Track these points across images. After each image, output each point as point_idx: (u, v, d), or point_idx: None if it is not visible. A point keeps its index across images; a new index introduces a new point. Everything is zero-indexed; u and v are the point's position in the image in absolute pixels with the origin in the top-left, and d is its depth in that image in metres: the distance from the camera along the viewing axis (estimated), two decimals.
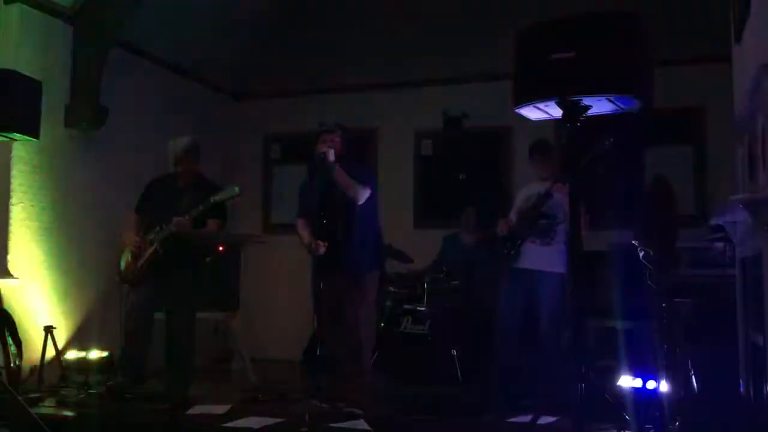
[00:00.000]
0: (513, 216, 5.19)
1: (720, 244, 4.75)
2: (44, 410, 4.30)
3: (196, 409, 4.37)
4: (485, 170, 7.20)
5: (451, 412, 4.54)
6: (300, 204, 4.75)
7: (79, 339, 5.70)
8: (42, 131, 4.39)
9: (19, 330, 4.97)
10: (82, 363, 5.42)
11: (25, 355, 5.00)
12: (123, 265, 4.94)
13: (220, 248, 6.16)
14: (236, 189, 4.66)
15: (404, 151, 7.46)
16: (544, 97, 2.76)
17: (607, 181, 6.52)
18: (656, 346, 4.33)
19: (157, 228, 4.80)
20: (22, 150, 5.37)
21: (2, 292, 5.02)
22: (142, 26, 6.14)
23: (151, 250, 4.79)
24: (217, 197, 4.66)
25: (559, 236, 4.98)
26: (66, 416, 4.24)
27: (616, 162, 6.56)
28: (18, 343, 4.92)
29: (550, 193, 4.85)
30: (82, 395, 4.73)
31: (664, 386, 3.94)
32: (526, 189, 5.28)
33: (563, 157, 5.47)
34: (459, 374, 5.65)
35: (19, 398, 4.05)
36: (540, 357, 5.05)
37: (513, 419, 4.05)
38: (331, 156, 4.43)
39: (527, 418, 3.84)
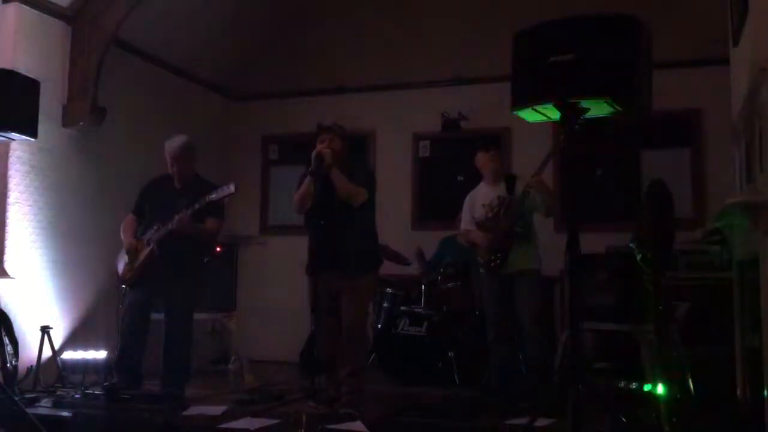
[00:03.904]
0: (469, 226, 5.15)
1: (716, 247, 4.77)
2: (41, 410, 4.29)
3: (192, 410, 4.36)
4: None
5: (448, 413, 4.54)
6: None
7: (75, 339, 5.69)
8: (40, 131, 4.39)
9: (15, 330, 4.97)
10: (79, 363, 5.42)
11: (21, 355, 4.99)
12: (120, 266, 4.94)
13: (217, 249, 6.17)
14: (232, 187, 4.65)
15: (402, 153, 7.46)
16: (542, 99, 2.76)
17: (605, 183, 6.56)
18: (652, 349, 4.33)
19: (155, 228, 4.80)
20: (19, 150, 5.36)
21: None
22: (140, 26, 6.14)
23: (147, 250, 4.79)
24: (213, 196, 4.66)
25: (534, 233, 5.02)
26: (62, 416, 4.23)
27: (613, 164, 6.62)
28: (14, 342, 4.91)
29: (527, 192, 4.84)
30: (79, 395, 4.72)
31: (660, 389, 3.95)
32: (479, 197, 5.22)
33: (562, 159, 5.48)
34: (456, 376, 5.66)
35: (16, 398, 4.05)
36: (530, 355, 5.07)
37: (510, 421, 4.04)
38: (329, 157, 4.43)
39: (524, 421, 3.84)
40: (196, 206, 4.66)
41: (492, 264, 4.94)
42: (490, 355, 5.19)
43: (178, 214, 4.66)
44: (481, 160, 5.25)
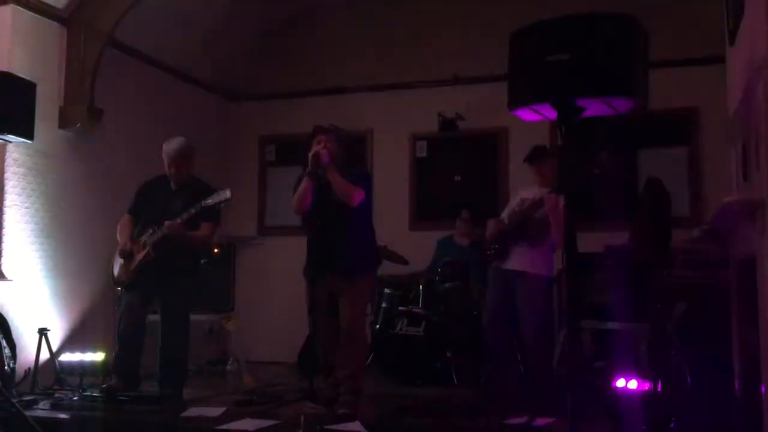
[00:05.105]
0: (505, 217, 5.18)
1: (713, 246, 4.76)
2: (39, 413, 4.29)
3: (190, 412, 4.36)
4: (480, 172, 7.20)
5: (447, 413, 4.54)
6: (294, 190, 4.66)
7: (73, 341, 5.68)
8: (36, 133, 4.40)
9: (13, 332, 4.96)
10: (77, 365, 5.41)
11: (19, 358, 4.99)
12: (116, 268, 4.93)
13: (215, 250, 6.17)
14: (228, 193, 4.63)
15: (399, 153, 7.46)
16: (539, 98, 2.76)
17: (602, 182, 6.55)
18: (651, 348, 4.34)
19: (150, 230, 4.79)
20: (16, 152, 5.35)
21: None
22: (136, 28, 6.13)
23: (143, 252, 4.78)
24: (209, 201, 4.65)
25: (548, 241, 5.00)
26: (60, 419, 4.23)
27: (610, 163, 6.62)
28: (12, 345, 4.90)
29: (543, 201, 4.85)
30: (77, 398, 4.71)
31: (658, 387, 3.95)
32: (523, 191, 5.27)
33: (559, 160, 5.46)
34: (454, 376, 5.66)
35: (13, 401, 4.04)
36: (530, 365, 5.06)
37: (508, 421, 4.04)
38: (326, 158, 4.43)
39: (523, 420, 3.85)
40: (192, 211, 4.66)
41: (488, 252, 4.98)
42: (490, 354, 5.18)
43: (172, 218, 4.65)
44: (528, 169, 5.24)
